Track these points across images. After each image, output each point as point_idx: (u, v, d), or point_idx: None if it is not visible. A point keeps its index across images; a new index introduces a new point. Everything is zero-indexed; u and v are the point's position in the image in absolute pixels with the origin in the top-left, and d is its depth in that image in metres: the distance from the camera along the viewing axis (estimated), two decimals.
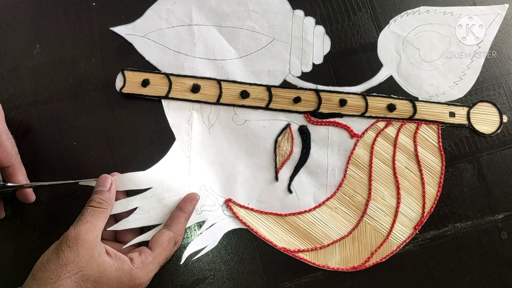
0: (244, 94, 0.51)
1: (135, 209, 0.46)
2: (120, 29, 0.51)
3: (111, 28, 0.51)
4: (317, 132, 0.51)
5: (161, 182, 0.47)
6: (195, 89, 0.50)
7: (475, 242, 0.50)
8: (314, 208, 0.50)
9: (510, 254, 0.50)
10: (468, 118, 0.53)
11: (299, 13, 0.53)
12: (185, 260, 0.48)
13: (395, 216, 0.50)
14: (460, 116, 0.53)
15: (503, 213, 0.51)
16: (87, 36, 0.51)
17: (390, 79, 0.53)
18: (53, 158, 0.49)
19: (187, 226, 0.47)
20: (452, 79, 0.53)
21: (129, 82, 0.50)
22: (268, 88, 0.51)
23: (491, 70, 0.54)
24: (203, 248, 0.48)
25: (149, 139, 0.49)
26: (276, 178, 0.50)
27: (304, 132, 0.51)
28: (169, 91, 0.50)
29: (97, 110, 0.50)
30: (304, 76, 0.52)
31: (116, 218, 0.46)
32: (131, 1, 0.51)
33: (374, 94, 0.52)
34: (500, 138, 0.52)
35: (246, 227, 0.49)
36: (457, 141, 0.52)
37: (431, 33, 0.54)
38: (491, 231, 0.50)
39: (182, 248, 0.48)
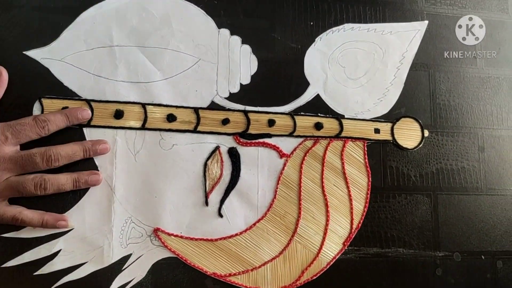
0: (171, 118, 0.49)
1: (59, 251, 0.45)
2: (34, 53, 0.48)
3: (24, 52, 0.47)
4: (246, 153, 0.51)
5: (83, 222, 0.46)
6: (118, 115, 0.48)
7: (411, 271, 0.52)
8: (245, 230, 0.50)
9: None
10: (392, 134, 0.54)
11: (225, 32, 0.52)
12: None
13: (325, 233, 0.51)
14: (384, 132, 0.54)
15: (443, 252, 0.53)
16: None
17: (317, 97, 0.53)
18: None
19: None
20: (377, 96, 0.55)
21: (47, 110, 0.47)
22: (196, 110, 0.50)
23: None
24: (130, 281, 0.47)
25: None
26: (206, 203, 0.49)
27: (233, 155, 0.51)
28: (91, 119, 0.48)
29: None
30: (232, 97, 0.51)
31: None
32: (46, 22, 0.48)
33: (301, 113, 0.52)
34: (462, 183, 0.55)
35: (175, 256, 0.48)
36: (423, 174, 0.54)
37: (356, 50, 0.55)
38: (428, 265, 0.53)
39: (108, 282, 0.46)
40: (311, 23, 0.54)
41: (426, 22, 0.57)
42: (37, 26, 0.48)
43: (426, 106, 0.55)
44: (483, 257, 0.54)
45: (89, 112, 0.47)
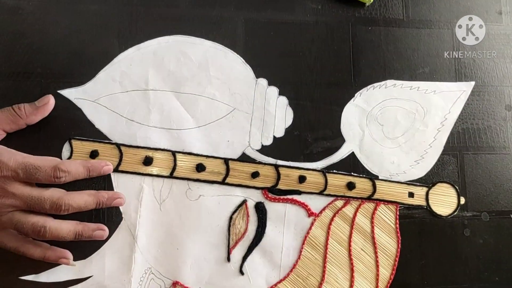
0: (200, 168, 0.48)
1: None
2: (68, 92, 0.47)
3: (58, 91, 0.47)
4: (274, 209, 0.49)
5: (102, 270, 0.45)
6: (148, 161, 0.47)
7: (439, 231, 0.52)
8: None
9: (467, 251, 0.52)
10: (427, 199, 0.52)
11: (263, 81, 0.50)
12: None
13: None
14: (418, 196, 0.52)
15: (471, 212, 0.53)
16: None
17: (352, 155, 0.51)
18: None
19: None
20: (414, 158, 0.52)
21: (77, 152, 0.46)
22: (226, 161, 0.49)
23: None
24: None
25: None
26: (228, 259, 0.48)
27: (260, 210, 0.49)
28: (119, 164, 0.47)
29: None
30: (263, 149, 0.50)
31: None
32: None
33: (334, 171, 0.51)
34: (488, 142, 0.54)
35: None
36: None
37: (396, 109, 0.53)
38: (456, 226, 0.52)
39: None
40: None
41: (473, 83, 0.55)
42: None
43: (450, 65, 0.54)
44: (511, 216, 0.53)
45: (111, 167, 0.46)
